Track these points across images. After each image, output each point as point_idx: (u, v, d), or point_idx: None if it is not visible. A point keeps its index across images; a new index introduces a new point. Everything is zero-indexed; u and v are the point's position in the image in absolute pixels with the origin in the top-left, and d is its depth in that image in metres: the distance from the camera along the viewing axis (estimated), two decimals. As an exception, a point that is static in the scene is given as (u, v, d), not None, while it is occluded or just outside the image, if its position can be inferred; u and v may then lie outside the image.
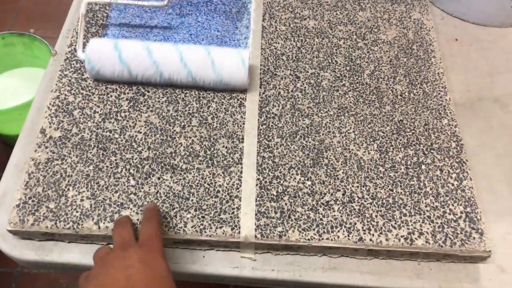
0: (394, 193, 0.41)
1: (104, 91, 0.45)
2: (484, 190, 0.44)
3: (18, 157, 0.43)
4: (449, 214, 0.40)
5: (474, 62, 0.55)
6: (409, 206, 0.40)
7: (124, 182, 0.40)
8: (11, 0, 1.47)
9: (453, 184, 0.42)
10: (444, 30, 0.58)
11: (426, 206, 0.40)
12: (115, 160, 0.41)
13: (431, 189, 0.41)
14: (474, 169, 0.46)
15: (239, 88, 0.45)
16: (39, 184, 0.39)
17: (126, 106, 0.44)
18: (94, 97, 0.45)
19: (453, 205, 0.40)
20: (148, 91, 0.46)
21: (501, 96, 0.52)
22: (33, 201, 0.38)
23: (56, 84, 0.46)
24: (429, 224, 0.39)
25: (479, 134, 0.48)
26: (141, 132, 0.43)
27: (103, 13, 0.51)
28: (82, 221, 0.38)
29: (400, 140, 0.44)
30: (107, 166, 0.41)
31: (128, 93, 0.45)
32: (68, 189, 0.39)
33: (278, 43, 0.50)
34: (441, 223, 0.39)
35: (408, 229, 0.39)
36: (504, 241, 0.42)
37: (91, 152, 0.41)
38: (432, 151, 0.44)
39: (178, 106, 0.45)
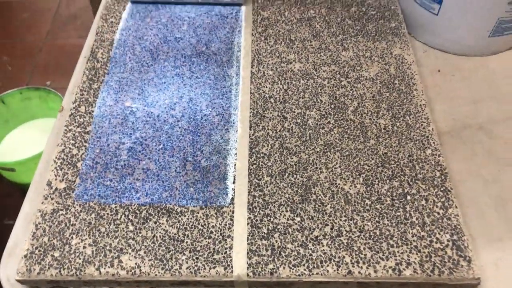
0: (381, 225, 0.42)
1: (105, 142, 0.49)
2: (473, 217, 0.45)
3: (27, 209, 0.47)
4: (436, 243, 0.41)
5: (457, 91, 0.57)
6: (396, 237, 0.41)
7: (123, 228, 0.42)
8: (29, 55, 1.57)
9: (438, 213, 0.43)
10: (427, 62, 0.60)
11: (412, 236, 0.42)
12: (115, 207, 0.44)
13: (417, 219, 0.43)
14: (462, 197, 0.47)
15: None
16: (45, 234, 0.42)
17: (125, 155, 0.48)
18: (96, 149, 0.48)
19: (439, 233, 0.42)
20: (146, 140, 0.49)
21: (485, 122, 0.53)
22: (39, 250, 0.41)
23: (62, 139, 0.49)
24: (416, 254, 0.40)
25: (465, 161, 0.50)
26: (139, 179, 0.46)
27: (104, 70, 0.55)
28: (85, 268, 0.40)
29: (385, 172, 0.46)
30: (107, 214, 0.43)
31: (127, 143, 0.48)
32: (72, 237, 0.42)
33: (266, 87, 0.54)
34: (428, 252, 0.41)
35: (395, 260, 0.40)
36: (495, 267, 0.42)
37: (92, 201, 0.44)
38: (416, 181, 0.45)
39: (173, 152, 0.48)
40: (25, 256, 0.41)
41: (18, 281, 0.40)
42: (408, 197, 0.44)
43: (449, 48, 0.61)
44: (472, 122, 0.53)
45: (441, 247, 0.41)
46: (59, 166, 0.47)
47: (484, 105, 0.55)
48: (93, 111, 0.51)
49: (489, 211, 0.46)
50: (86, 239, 0.42)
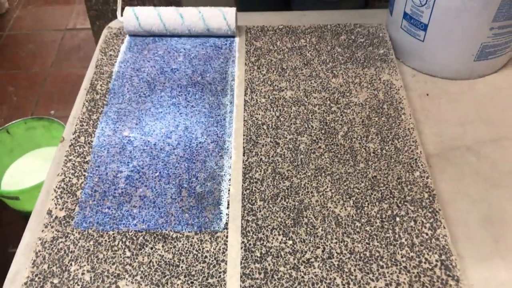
0: (370, 246, 0.43)
1: (103, 171, 0.51)
2: (462, 237, 0.46)
3: (28, 237, 0.48)
4: (425, 263, 0.42)
5: (445, 114, 0.58)
6: (385, 258, 0.43)
7: (120, 254, 0.44)
8: (34, 85, 1.61)
9: (427, 234, 0.44)
10: (416, 86, 0.62)
11: (402, 257, 0.43)
12: (113, 234, 0.45)
13: (406, 240, 0.44)
14: (451, 217, 0.48)
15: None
16: (45, 262, 0.44)
17: (123, 183, 0.49)
18: (95, 178, 0.50)
19: (428, 254, 0.43)
20: (143, 168, 0.51)
21: (472, 144, 0.55)
22: (39, 278, 0.43)
23: (62, 168, 0.51)
24: (406, 274, 0.41)
25: (453, 182, 0.51)
26: (136, 206, 0.47)
27: (103, 101, 0.58)
28: (83, 294, 0.41)
29: (375, 195, 0.47)
30: (105, 240, 0.45)
31: (124, 172, 0.50)
32: (71, 264, 0.43)
33: (259, 114, 0.56)
34: (417, 272, 0.41)
35: (385, 280, 0.41)
36: (486, 285, 0.43)
37: (91, 228, 0.46)
38: (405, 203, 0.47)
39: (169, 179, 0.50)
40: (25, 283, 0.42)
41: (19, 308, 0.42)
42: (397, 219, 0.45)
43: (436, 73, 0.63)
44: (460, 143, 0.55)
45: (430, 267, 0.42)
46: (59, 195, 0.49)
47: (472, 127, 0.57)
48: (92, 141, 0.53)
49: (477, 230, 0.47)
50: (85, 265, 0.43)
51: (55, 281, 0.42)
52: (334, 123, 0.54)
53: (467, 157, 0.53)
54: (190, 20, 0.64)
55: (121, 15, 0.66)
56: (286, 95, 0.58)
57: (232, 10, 0.65)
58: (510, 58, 0.64)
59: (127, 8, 0.65)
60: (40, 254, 0.44)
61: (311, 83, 0.59)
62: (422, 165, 0.50)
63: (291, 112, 0.56)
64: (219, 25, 0.64)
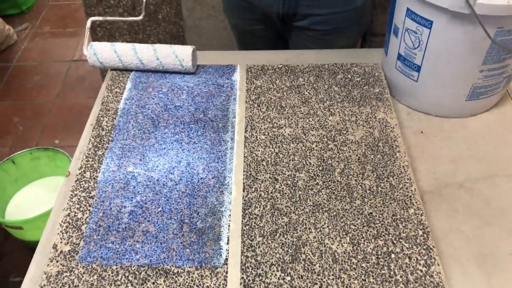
0: (366, 283, 0.45)
1: (108, 206, 0.52)
2: (455, 273, 0.48)
3: (34, 271, 0.49)
4: (419, 299, 0.43)
5: (439, 151, 0.60)
6: (381, 295, 0.44)
7: (123, 289, 0.45)
8: (39, 116, 1.64)
9: (421, 271, 0.45)
10: (410, 124, 0.65)
11: (397, 294, 0.44)
12: (116, 268, 0.47)
13: (401, 276, 0.45)
14: (444, 253, 0.49)
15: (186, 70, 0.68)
16: (50, 296, 0.45)
17: (126, 218, 0.51)
18: (99, 213, 0.52)
19: (422, 290, 0.44)
20: (146, 203, 0.52)
21: (465, 181, 0.57)
22: (43, 312, 0.44)
23: (68, 203, 0.53)
24: (401, 311, 0.42)
25: (447, 218, 0.53)
26: (139, 241, 0.49)
27: (109, 137, 0.60)
28: (86, 328, 0.42)
29: (370, 231, 0.49)
30: (108, 275, 0.46)
31: (128, 207, 0.52)
32: (75, 298, 0.45)
33: (259, 150, 0.58)
34: (412, 309, 0.43)
35: (381, 317, 0.42)
36: (478, 323, 0.44)
37: (95, 263, 0.47)
38: (400, 240, 0.48)
39: (171, 214, 0.51)
40: (30, 317, 0.43)
41: None
42: (392, 256, 0.47)
43: (430, 111, 0.66)
44: (452, 180, 0.57)
45: (424, 304, 0.43)
46: (64, 229, 0.50)
47: (464, 164, 0.59)
48: (97, 177, 0.55)
49: (470, 267, 0.48)
50: (88, 300, 0.44)
51: (59, 315, 0.43)
52: (331, 160, 0.56)
53: (460, 194, 0.55)
54: (144, 54, 0.67)
55: (87, 50, 0.70)
56: (285, 132, 0.60)
57: (188, 49, 0.67)
58: (502, 97, 0.67)
59: (90, 44, 0.71)
60: (45, 288, 0.45)
61: (309, 120, 0.61)
62: (416, 202, 0.51)
63: (290, 149, 0.58)
64: (174, 63, 0.67)
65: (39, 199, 1.22)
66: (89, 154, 0.58)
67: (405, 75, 0.65)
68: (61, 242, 0.49)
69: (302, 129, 0.60)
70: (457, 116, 0.65)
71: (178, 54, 0.67)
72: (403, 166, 0.55)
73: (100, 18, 0.73)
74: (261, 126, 0.61)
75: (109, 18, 0.74)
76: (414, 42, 0.60)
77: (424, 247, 0.47)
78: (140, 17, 0.72)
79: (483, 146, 0.61)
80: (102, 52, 0.68)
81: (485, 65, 0.57)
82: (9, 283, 1.15)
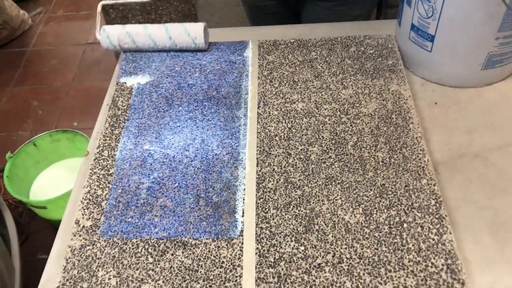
0: (379, 251, 0.45)
1: (126, 183, 0.54)
2: (468, 242, 0.48)
3: (58, 245, 0.52)
4: (431, 267, 0.44)
5: (453, 122, 0.60)
6: (393, 263, 0.45)
7: (143, 260, 0.47)
8: (57, 99, 1.67)
9: (433, 239, 0.46)
10: (424, 95, 0.64)
11: (409, 262, 0.44)
12: (136, 241, 0.49)
13: (413, 245, 0.46)
14: (458, 223, 0.50)
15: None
16: (75, 268, 0.47)
17: (145, 194, 0.53)
18: (118, 189, 0.53)
19: (434, 258, 0.45)
20: (163, 179, 0.54)
21: (480, 151, 0.56)
22: (70, 282, 0.46)
23: (87, 181, 0.55)
24: (413, 278, 0.43)
25: (460, 189, 0.53)
26: (157, 216, 0.50)
27: (124, 116, 0.61)
28: (110, 297, 0.45)
29: (383, 202, 0.49)
30: (129, 248, 0.48)
31: (145, 183, 0.54)
32: (98, 269, 0.47)
33: (272, 126, 0.58)
34: (424, 276, 0.43)
35: (393, 284, 0.43)
36: (491, 289, 0.45)
37: (116, 236, 0.49)
38: (413, 210, 0.49)
39: (188, 189, 0.53)
40: (58, 287, 0.46)
41: (51, 311, 0.45)
42: (405, 225, 0.47)
43: (445, 81, 0.65)
44: (467, 151, 0.57)
45: (436, 271, 0.44)
46: (85, 206, 0.52)
47: (479, 134, 0.58)
48: (115, 155, 0.57)
49: (483, 235, 0.48)
50: (111, 271, 0.46)
51: (85, 285, 0.46)
52: (344, 133, 0.57)
53: (474, 164, 0.55)
54: (157, 34, 0.68)
55: (99, 34, 0.70)
56: (298, 107, 0.60)
57: (199, 26, 0.68)
58: (518, 66, 0.65)
59: (102, 27, 0.70)
60: (70, 261, 0.48)
61: (321, 94, 0.62)
62: (429, 172, 0.52)
63: (303, 124, 0.58)
64: (187, 41, 0.68)
65: (60, 179, 1.25)
66: (106, 133, 0.60)
67: (418, 46, 0.64)
68: (83, 218, 0.51)
69: (315, 103, 0.61)
70: (472, 86, 0.64)
71: (190, 32, 0.67)
72: (416, 138, 0.55)
73: (111, 2, 0.74)
74: (274, 101, 0.61)
75: (119, 0, 0.74)
76: (427, 11, 0.59)
77: (437, 216, 0.48)
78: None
79: (499, 116, 0.60)
80: (114, 34, 0.69)
81: (500, 32, 0.56)
82: (37, 260, 1.20)
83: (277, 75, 0.65)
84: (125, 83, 0.66)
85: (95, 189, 0.54)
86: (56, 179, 1.26)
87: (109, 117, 0.62)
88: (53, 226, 1.25)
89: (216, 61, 0.68)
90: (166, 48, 0.69)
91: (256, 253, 0.46)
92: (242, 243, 0.47)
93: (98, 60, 1.82)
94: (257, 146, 0.56)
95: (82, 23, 2.03)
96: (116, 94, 0.65)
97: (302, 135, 0.57)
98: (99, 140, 0.59)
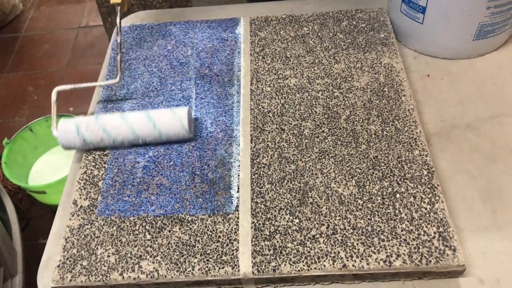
0: (372, 222, 0.46)
1: (122, 162, 0.54)
2: (461, 210, 0.49)
3: (58, 225, 0.52)
4: (424, 235, 0.45)
5: (445, 93, 0.60)
6: (386, 232, 0.45)
7: (141, 237, 0.48)
8: (52, 84, 1.67)
9: (426, 208, 0.47)
10: (417, 68, 0.64)
11: (402, 231, 0.45)
12: (133, 219, 0.49)
13: (405, 214, 0.47)
14: (450, 192, 0.50)
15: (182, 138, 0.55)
16: (74, 246, 0.48)
17: (140, 173, 0.53)
18: (114, 169, 0.54)
19: (426, 227, 0.45)
20: (158, 158, 0.54)
21: (472, 122, 0.57)
22: (69, 261, 0.47)
23: (84, 162, 0.55)
24: (405, 246, 0.44)
25: (453, 159, 0.53)
26: (153, 194, 0.51)
27: (118, 97, 0.62)
28: (109, 274, 0.46)
29: (376, 174, 0.50)
30: (127, 226, 0.49)
31: (141, 162, 0.54)
32: (97, 248, 0.48)
33: (265, 102, 0.59)
34: (416, 244, 0.44)
35: (386, 252, 0.44)
36: (482, 255, 0.46)
37: (113, 215, 0.50)
38: (405, 180, 0.49)
39: (183, 167, 0.53)
40: (58, 266, 0.47)
41: (53, 288, 0.46)
42: (397, 195, 0.48)
43: (437, 54, 0.65)
44: (459, 122, 0.57)
45: (428, 239, 0.44)
46: (82, 186, 0.53)
47: (472, 105, 0.59)
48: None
49: (475, 203, 0.49)
50: (110, 249, 0.47)
51: (84, 263, 0.46)
52: (336, 107, 0.57)
53: (467, 135, 0.55)
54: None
55: (56, 129, 0.56)
56: (290, 83, 0.60)
57: (184, 111, 0.54)
58: (511, 35, 0.65)
59: (61, 121, 0.56)
60: (69, 240, 0.48)
61: (314, 70, 0.62)
62: (421, 143, 0.52)
63: (295, 99, 0.58)
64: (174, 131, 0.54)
65: (58, 164, 1.26)
66: (100, 114, 0.60)
67: (410, 18, 0.63)
68: (80, 198, 0.52)
69: (308, 78, 0.61)
70: (465, 57, 0.64)
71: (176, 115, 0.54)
72: (408, 110, 0.56)
73: (68, 87, 0.60)
74: (267, 78, 0.61)
75: (79, 85, 0.60)
76: (418, -18, 0.59)
77: (429, 186, 0.48)
78: (117, 80, 0.60)
79: (491, 86, 0.60)
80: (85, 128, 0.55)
81: (492, 1, 0.56)
82: (38, 244, 1.22)
83: (269, 51, 0.65)
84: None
85: (91, 170, 0.54)
86: (54, 164, 1.27)
87: (102, 98, 0.62)
88: (53, 211, 1.26)
89: (208, 39, 0.68)
90: (151, 141, 0.55)
91: (251, 227, 0.47)
92: (238, 218, 0.48)
93: (92, 44, 1.81)
94: (251, 123, 0.56)
95: (74, 6, 2.01)
96: (108, 75, 0.65)
97: (295, 110, 0.57)
98: (94, 121, 0.59)
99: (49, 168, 1.25)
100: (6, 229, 1.01)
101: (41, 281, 0.48)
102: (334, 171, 0.51)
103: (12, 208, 1.11)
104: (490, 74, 0.62)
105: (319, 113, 0.56)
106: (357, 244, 0.45)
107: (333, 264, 0.44)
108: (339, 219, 0.47)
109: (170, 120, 0.54)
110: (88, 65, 1.72)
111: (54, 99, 0.60)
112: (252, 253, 0.45)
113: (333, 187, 0.49)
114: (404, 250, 0.44)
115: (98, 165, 0.55)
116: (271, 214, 0.48)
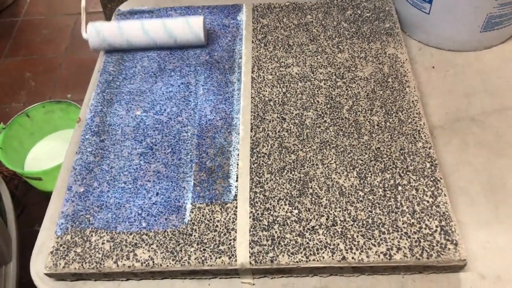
0: (373, 214, 0.45)
1: (119, 149, 0.53)
2: (463, 204, 0.48)
3: (52, 211, 0.51)
4: (425, 229, 0.44)
5: (451, 86, 0.59)
6: (387, 225, 0.44)
7: (137, 225, 0.47)
8: (50, 70, 1.65)
9: (428, 201, 0.46)
10: (422, 59, 0.63)
11: (403, 224, 0.44)
12: (129, 206, 0.48)
13: (407, 207, 0.46)
14: (453, 185, 0.49)
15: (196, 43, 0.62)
16: (68, 233, 0.47)
17: (137, 160, 0.52)
18: (110, 155, 0.53)
19: (428, 220, 0.44)
20: (156, 145, 0.53)
21: (477, 115, 0.56)
22: (63, 247, 0.46)
23: (80, 147, 0.54)
24: (406, 239, 0.43)
25: (457, 152, 0.52)
26: (150, 181, 0.50)
27: (116, 82, 0.60)
28: (104, 261, 0.45)
29: (378, 165, 0.49)
30: (122, 213, 0.48)
31: (138, 149, 0.53)
32: (92, 235, 0.47)
33: (266, 90, 0.57)
34: (417, 237, 0.43)
35: (387, 245, 0.43)
36: (484, 250, 0.45)
37: (109, 202, 0.49)
38: (408, 172, 0.48)
39: (181, 155, 0.52)
40: (51, 252, 0.46)
41: (46, 274, 0.45)
42: (399, 188, 0.47)
43: (443, 45, 0.63)
44: (464, 115, 0.56)
45: (430, 232, 0.44)
46: (78, 172, 0.52)
47: (477, 98, 0.57)
48: (107, 121, 0.56)
49: (478, 198, 0.48)
50: (104, 236, 0.46)
51: (78, 250, 0.45)
52: (339, 97, 0.56)
53: (472, 128, 0.54)
54: (155, 32, 0.62)
55: (86, 32, 0.63)
56: (293, 71, 0.59)
57: (199, 20, 0.62)
58: (518, 28, 0.64)
59: (90, 24, 0.63)
60: (63, 226, 0.47)
61: (317, 58, 0.60)
62: (425, 136, 0.51)
63: (297, 88, 0.57)
64: (187, 36, 0.61)
65: (55, 151, 1.25)
66: (97, 99, 0.59)
67: (416, 8, 0.62)
68: (75, 184, 0.51)
69: (310, 67, 0.59)
70: (471, 49, 0.63)
71: (190, 24, 0.61)
72: (412, 101, 0.54)
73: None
74: (268, 66, 0.60)
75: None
76: (426, -30, 0.57)
77: (432, 179, 0.47)
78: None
79: (496, 79, 0.59)
80: (108, 32, 0.62)
81: (501, -8, 0.55)
82: (34, 231, 1.21)
83: (271, 38, 0.63)
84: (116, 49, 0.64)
85: (87, 156, 0.53)
86: (51, 151, 1.26)
87: (100, 82, 0.60)
88: (49, 197, 1.25)
89: (209, 25, 0.66)
90: (166, 46, 0.63)
91: (250, 217, 0.46)
92: (236, 207, 0.47)
93: (91, 30, 1.79)
94: (251, 111, 0.55)
95: (73, -8, 1.97)
96: (107, 60, 0.63)
97: (297, 99, 0.56)
98: (91, 106, 0.58)
99: (46, 155, 1.24)
100: (1, 215, 1.00)
101: (34, 268, 0.47)
102: (335, 162, 0.50)
103: (7, 194, 1.10)
104: (496, 67, 0.61)
105: (321, 103, 0.55)
106: (357, 236, 0.44)
107: (332, 256, 0.43)
108: (339, 211, 0.46)
109: (184, 28, 0.61)
110: (87, 52, 1.68)
111: (83, 5, 0.66)
112: (250, 243, 0.44)
113: (334, 178, 0.48)
114: (405, 244, 0.43)
115: (94, 151, 0.53)
116: (270, 204, 0.47)
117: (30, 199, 1.29)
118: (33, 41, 1.77)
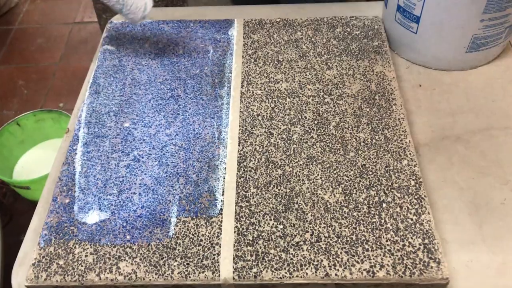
0: (357, 230, 0.46)
1: (106, 160, 0.53)
2: (447, 222, 0.48)
3: (36, 222, 0.51)
4: (408, 246, 0.44)
5: (437, 104, 0.60)
6: (371, 242, 0.45)
7: (121, 238, 0.46)
8: (43, 79, 1.65)
9: (412, 219, 0.46)
10: (409, 77, 0.64)
11: (386, 241, 0.45)
12: (114, 219, 0.48)
13: (391, 224, 0.46)
14: (437, 203, 0.50)
15: None
16: (51, 244, 0.47)
17: (124, 172, 0.52)
18: (97, 166, 0.53)
19: (412, 238, 0.45)
20: (143, 157, 0.53)
21: (462, 134, 0.56)
22: (45, 259, 0.45)
23: (67, 158, 0.54)
24: (390, 257, 0.44)
25: (441, 170, 0.53)
26: (136, 193, 0.50)
27: (106, 93, 0.60)
28: (86, 274, 0.44)
29: (363, 182, 0.49)
30: (106, 225, 0.48)
31: (125, 161, 0.53)
32: (75, 247, 0.46)
33: (255, 105, 0.58)
34: (401, 255, 0.44)
35: (370, 262, 0.43)
36: (466, 269, 0.45)
37: (93, 214, 0.48)
38: (392, 190, 0.49)
39: (168, 168, 0.52)
40: (33, 264, 0.45)
41: (27, 287, 0.45)
42: (384, 205, 0.47)
43: (430, 64, 0.65)
44: (450, 133, 0.57)
45: (413, 250, 0.44)
46: (64, 183, 0.52)
47: (462, 117, 0.58)
48: (95, 132, 0.56)
49: (462, 216, 0.49)
50: (88, 248, 0.46)
51: (61, 262, 0.45)
52: (326, 113, 0.56)
53: (457, 147, 0.55)
54: None
55: None
56: (282, 87, 0.60)
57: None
58: (504, 48, 0.65)
59: None
60: (47, 238, 0.47)
61: (306, 75, 0.61)
62: (410, 153, 0.52)
63: (286, 104, 0.58)
64: None
65: (44, 160, 1.24)
66: (86, 110, 0.59)
67: (404, 27, 0.63)
68: (60, 195, 0.51)
69: (299, 83, 0.60)
70: (457, 69, 0.64)
71: None
72: (398, 119, 0.55)
73: None
74: (258, 81, 0.61)
75: None
76: (413, -9, 0.58)
77: (416, 197, 0.48)
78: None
79: (482, 99, 0.60)
80: None
81: (485, 14, 0.56)
82: (20, 241, 1.19)
83: (261, 54, 0.64)
84: (107, 60, 0.64)
85: (74, 166, 0.53)
86: (40, 160, 1.25)
87: (90, 94, 0.61)
88: (38, 207, 1.24)
89: (201, 39, 0.67)
90: None
91: (234, 231, 0.46)
92: (221, 222, 0.47)
93: (85, 40, 1.79)
94: (240, 125, 0.56)
95: (69, 1, 1.99)
96: (98, 71, 0.63)
97: (285, 115, 0.56)
98: (80, 117, 0.58)
99: (35, 164, 1.23)
100: (-13, 224, 0.99)
101: (15, 279, 0.47)
102: (321, 178, 0.50)
103: (-6, 203, 1.09)
104: (482, 87, 0.62)
105: (308, 119, 0.56)
106: (341, 252, 0.44)
107: (316, 272, 0.43)
108: (324, 227, 0.46)
109: None
110: (81, 61, 1.70)
111: None
112: (234, 258, 0.44)
113: (319, 194, 0.49)
114: (388, 261, 0.43)
115: (81, 161, 0.53)
116: (255, 219, 0.47)
117: (18, 208, 1.28)
118: (28, 50, 1.77)
